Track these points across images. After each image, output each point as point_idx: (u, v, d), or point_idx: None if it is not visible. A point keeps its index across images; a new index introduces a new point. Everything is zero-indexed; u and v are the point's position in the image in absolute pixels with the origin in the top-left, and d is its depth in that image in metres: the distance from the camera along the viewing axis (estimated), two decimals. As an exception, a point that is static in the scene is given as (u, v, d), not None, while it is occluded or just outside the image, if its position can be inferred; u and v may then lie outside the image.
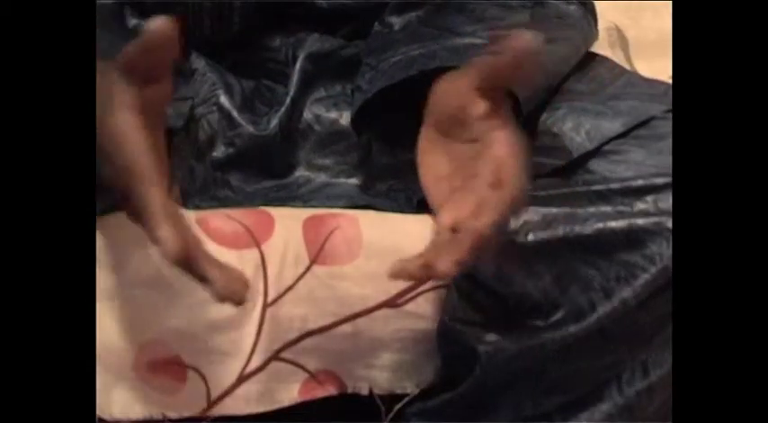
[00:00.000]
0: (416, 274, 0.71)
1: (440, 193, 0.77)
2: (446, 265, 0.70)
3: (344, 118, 0.91)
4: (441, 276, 0.71)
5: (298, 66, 0.93)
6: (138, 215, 0.69)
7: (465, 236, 0.71)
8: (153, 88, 0.72)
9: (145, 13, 0.94)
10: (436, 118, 0.79)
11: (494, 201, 0.72)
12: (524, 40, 0.72)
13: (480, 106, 0.76)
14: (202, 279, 0.68)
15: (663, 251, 0.79)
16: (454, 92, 0.77)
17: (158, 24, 0.69)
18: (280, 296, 0.84)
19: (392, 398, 0.89)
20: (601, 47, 1.04)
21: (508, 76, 0.75)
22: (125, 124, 0.70)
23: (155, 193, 0.68)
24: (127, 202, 0.70)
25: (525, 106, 0.83)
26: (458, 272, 0.70)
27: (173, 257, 0.66)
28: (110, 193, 0.83)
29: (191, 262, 0.68)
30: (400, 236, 0.85)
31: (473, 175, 0.74)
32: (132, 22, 0.93)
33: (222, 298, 0.68)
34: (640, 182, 0.81)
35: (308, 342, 0.86)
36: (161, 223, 0.67)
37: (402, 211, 0.87)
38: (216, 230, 0.83)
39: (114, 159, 0.69)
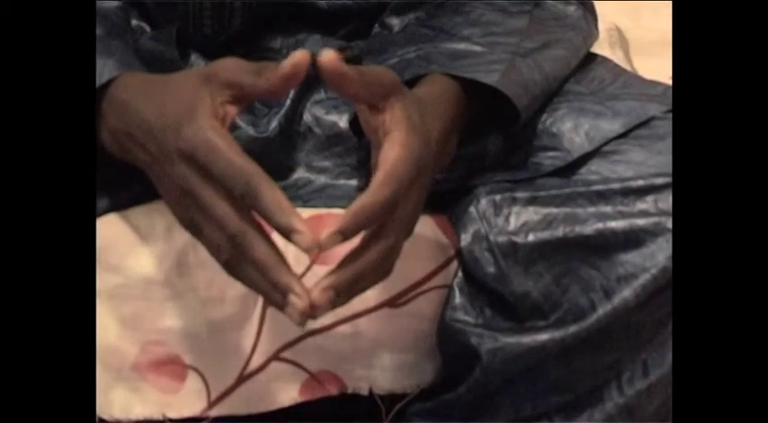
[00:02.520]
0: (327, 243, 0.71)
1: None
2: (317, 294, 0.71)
3: (344, 120, 0.91)
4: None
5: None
6: (263, 210, 0.70)
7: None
8: (233, 108, 0.75)
9: (145, 13, 0.94)
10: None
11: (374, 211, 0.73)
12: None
13: (369, 115, 0.77)
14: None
15: (663, 251, 0.79)
16: (358, 107, 0.79)
17: (302, 58, 0.72)
18: (280, 296, 0.84)
19: (392, 398, 0.89)
20: (601, 47, 1.04)
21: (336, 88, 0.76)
22: (218, 130, 0.72)
23: (278, 190, 0.70)
24: (244, 200, 0.71)
25: (525, 113, 0.83)
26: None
27: (311, 246, 0.69)
28: (113, 192, 0.84)
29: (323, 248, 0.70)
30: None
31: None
32: (132, 22, 0.93)
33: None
34: (640, 182, 0.81)
35: (308, 342, 0.86)
36: (295, 216, 0.70)
37: (402, 212, 0.87)
38: (216, 230, 0.83)
39: (213, 161, 0.71)
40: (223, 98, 0.74)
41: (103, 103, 0.79)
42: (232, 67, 0.75)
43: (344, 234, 0.70)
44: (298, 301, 0.71)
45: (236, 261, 0.73)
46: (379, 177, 0.72)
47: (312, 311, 0.71)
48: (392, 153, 0.73)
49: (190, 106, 0.73)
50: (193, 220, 0.74)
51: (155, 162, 0.76)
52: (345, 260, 0.73)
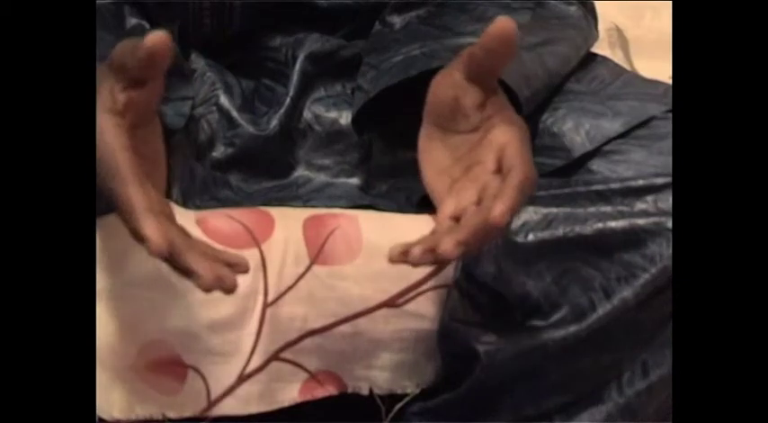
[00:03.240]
0: (418, 258, 0.69)
1: (442, 186, 0.77)
2: (448, 245, 0.68)
3: (344, 118, 0.91)
4: (443, 258, 0.69)
5: (297, 66, 0.93)
6: (123, 215, 0.69)
7: (468, 220, 0.71)
8: (141, 90, 0.73)
9: (145, 12, 0.94)
10: (434, 113, 0.79)
11: (498, 186, 0.72)
12: (500, 24, 0.72)
13: (474, 95, 0.76)
14: (188, 273, 0.68)
15: (663, 251, 0.79)
16: (448, 85, 0.78)
17: (156, 40, 0.69)
18: (280, 296, 0.84)
19: (392, 398, 0.89)
20: (601, 47, 1.04)
21: (492, 61, 0.75)
22: (103, 125, 0.71)
23: (135, 192, 0.68)
24: (113, 203, 0.70)
25: (527, 106, 0.83)
26: (461, 254, 0.69)
27: (157, 253, 0.67)
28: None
29: (176, 257, 0.68)
30: (400, 236, 0.84)
31: (475, 164, 0.75)
32: (132, 21, 0.93)
33: (207, 288, 0.67)
34: (640, 182, 0.81)
35: (307, 342, 0.86)
36: (144, 220, 0.67)
37: (402, 211, 0.87)
38: (216, 230, 0.83)
39: (98, 161, 0.70)
40: (122, 84, 0.72)
41: None
42: (120, 50, 0.73)
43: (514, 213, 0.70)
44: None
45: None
46: (516, 155, 0.72)
47: (440, 260, 0.69)
48: (513, 129, 0.75)
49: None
50: None
51: None
52: (472, 219, 0.71)
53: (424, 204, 0.83)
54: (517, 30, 0.72)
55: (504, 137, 0.74)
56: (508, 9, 0.89)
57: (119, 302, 0.83)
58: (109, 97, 0.72)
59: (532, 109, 0.86)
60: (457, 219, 0.72)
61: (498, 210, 0.68)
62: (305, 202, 0.89)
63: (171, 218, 0.71)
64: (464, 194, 0.74)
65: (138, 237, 0.68)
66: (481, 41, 0.74)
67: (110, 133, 0.70)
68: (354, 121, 0.87)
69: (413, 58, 0.86)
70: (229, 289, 0.68)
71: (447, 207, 0.73)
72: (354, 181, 0.91)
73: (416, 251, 0.70)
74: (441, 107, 0.78)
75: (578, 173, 0.85)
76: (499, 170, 0.73)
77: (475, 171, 0.75)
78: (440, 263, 0.71)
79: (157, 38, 0.69)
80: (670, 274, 0.79)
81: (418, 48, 0.87)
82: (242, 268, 0.70)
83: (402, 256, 0.71)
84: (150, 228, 0.67)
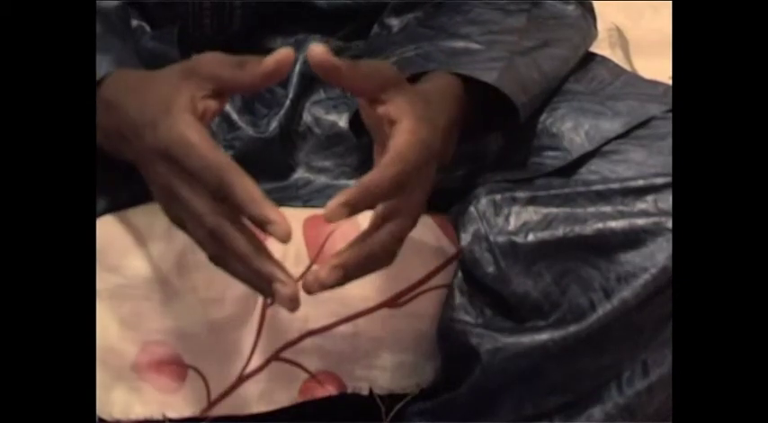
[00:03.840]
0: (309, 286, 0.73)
1: None
2: (325, 272, 0.72)
3: (344, 120, 0.91)
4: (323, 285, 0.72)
5: (297, 68, 0.93)
6: (238, 204, 0.70)
7: (352, 248, 0.73)
8: (219, 101, 0.75)
9: (145, 13, 0.94)
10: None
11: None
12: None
13: (369, 112, 0.77)
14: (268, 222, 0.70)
15: (663, 251, 0.79)
16: (361, 103, 0.79)
17: (286, 55, 0.73)
18: (280, 296, 0.84)
19: (392, 398, 0.89)
20: (601, 47, 1.04)
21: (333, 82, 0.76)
22: (189, 124, 0.72)
23: (251, 182, 0.71)
24: (218, 194, 0.71)
25: (524, 112, 0.83)
26: (340, 278, 0.72)
27: (287, 236, 0.69)
28: (113, 192, 0.84)
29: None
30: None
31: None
32: (133, 23, 0.93)
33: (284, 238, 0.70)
34: (640, 182, 0.81)
35: (308, 342, 0.86)
36: (270, 207, 0.70)
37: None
38: (216, 230, 0.83)
39: (186, 156, 0.72)
40: (204, 92, 0.74)
41: (97, 102, 0.79)
42: (212, 60, 0.75)
43: (351, 207, 0.70)
44: (283, 289, 0.71)
45: (221, 254, 0.73)
46: (387, 158, 0.73)
47: (319, 289, 0.72)
48: (401, 138, 0.74)
49: (166, 102, 0.74)
50: (177, 215, 0.75)
51: (138, 159, 0.76)
52: (356, 240, 0.73)
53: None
54: (329, 56, 0.73)
55: (391, 143, 0.74)
56: (503, 11, 0.89)
57: (119, 302, 0.83)
58: (190, 102, 0.74)
59: (530, 114, 0.86)
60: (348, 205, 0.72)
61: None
62: (305, 202, 0.89)
63: None
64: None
65: (265, 221, 0.69)
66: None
67: (201, 133, 0.72)
68: (352, 123, 0.87)
69: (407, 59, 0.86)
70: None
71: (342, 195, 0.72)
72: (354, 183, 0.91)
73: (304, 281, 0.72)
74: (365, 122, 0.80)
75: (578, 173, 0.85)
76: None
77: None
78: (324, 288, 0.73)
79: (286, 55, 0.72)
80: (670, 274, 0.79)
81: (413, 49, 0.87)
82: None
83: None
84: (275, 211, 0.69)
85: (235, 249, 0.72)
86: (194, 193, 0.73)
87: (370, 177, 0.71)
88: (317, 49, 0.72)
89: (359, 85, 0.75)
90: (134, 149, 0.76)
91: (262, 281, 0.72)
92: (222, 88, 0.75)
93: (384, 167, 0.72)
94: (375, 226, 0.74)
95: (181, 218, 0.75)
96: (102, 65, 0.79)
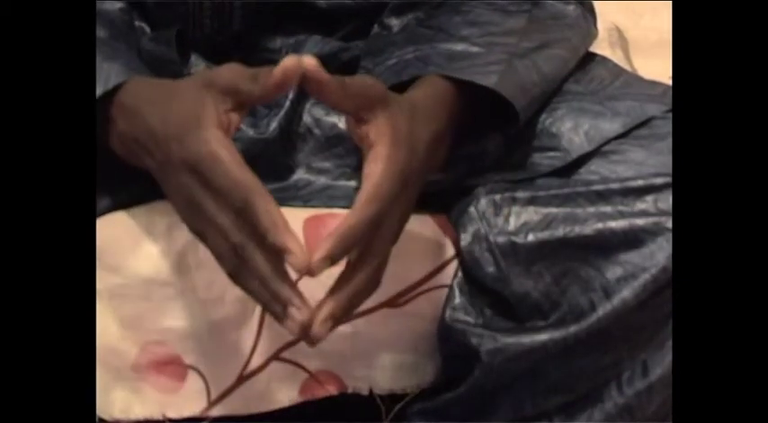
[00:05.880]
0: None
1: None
2: (318, 328, 0.73)
3: (343, 121, 0.91)
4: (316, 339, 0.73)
5: (297, 69, 0.93)
6: (259, 227, 0.71)
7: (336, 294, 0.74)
8: (241, 113, 0.76)
9: (145, 14, 0.94)
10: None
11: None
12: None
13: (353, 125, 0.77)
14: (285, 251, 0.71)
15: (663, 251, 0.79)
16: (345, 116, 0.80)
17: (293, 64, 0.73)
18: (280, 296, 0.84)
19: (392, 398, 0.89)
20: (601, 47, 1.04)
21: (322, 99, 0.76)
22: (218, 140, 0.73)
23: (275, 208, 0.71)
24: (241, 214, 0.72)
25: (524, 114, 0.83)
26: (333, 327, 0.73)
27: (303, 267, 0.70)
28: (114, 192, 0.84)
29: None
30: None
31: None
32: (135, 23, 0.93)
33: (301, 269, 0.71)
34: (640, 182, 0.81)
35: (307, 342, 0.86)
36: (289, 235, 0.70)
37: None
38: (216, 230, 0.83)
39: (214, 173, 0.72)
40: (226, 106, 0.75)
41: (112, 108, 0.79)
42: (231, 73, 0.76)
43: (333, 258, 0.71)
44: (297, 314, 0.72)
45: (239, 270, 0.74)
46: (362, 196, 0.73)
47: (313, 339, 0.73)
48: (376, 168, 0.74)
49: (194, 116, 0.74)
50: (198, 228, 0.75)
51: (160, 169, 0.77)
52: (337, 285, 0.74)
53: (423, 204, 0.83)
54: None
55: (366, 173, 0.75)
56: (503, 12, 0.89)
57: (119, 302, 0.83)
58: (216, 115, 0.74)
59: (530, 116, 0.86)
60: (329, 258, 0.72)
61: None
62: (305, 202, 0.89)
63: None
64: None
65: (281, 248, 0.70)
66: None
67: (230, 150, 0.73)
68: None
69: (406, 61, 0.86)
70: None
71: (322, 249, 0.72)
72: (354, 183, 0.91)
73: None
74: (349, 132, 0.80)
75: (578, 173, 0.85)
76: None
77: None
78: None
79: (293, 65, 0.73)
80: (670, 274, 0.79)
81: (412, 51, 0.87)
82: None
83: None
84: (294, 241, 0.70)
85: (254, 269, 0.73)
86: (219, 208, 0.73)
87: (347, 224, 0.72)
88: (309, 62, 0.73)
89: (344, 104, 0.76)
90: (156, 159, 0.77)
91: (277, 304, 0.73)
92: (241, 101, 0.75)
93: (360, 210, 0.73)
94: (354, 267, 0.74)
95: (203, 231, 0.75)
96: (113, 72, 0.79)
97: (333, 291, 0.74)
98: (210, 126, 0.74)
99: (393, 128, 0.75)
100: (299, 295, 0.73)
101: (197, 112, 0.74)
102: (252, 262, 0.73)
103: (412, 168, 0.76)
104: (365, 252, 0.74)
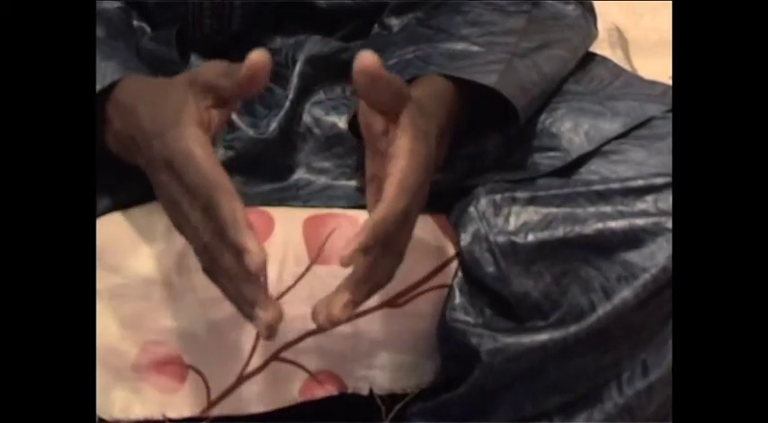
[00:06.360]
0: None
1: (370, 197, 0.79)
2: (337, 311, 0.73)
3: (343, 121, 0.91)
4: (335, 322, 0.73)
5: (297, 68, 0.92)
6: (220, 224, 0.71)
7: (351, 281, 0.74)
8: (223, 110, 0.76)
9: (145, 14, 0.94)
10: (363, 134, 0.80)
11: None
12: (362, 61, 0.72)
13: (378, 122, 0.77)
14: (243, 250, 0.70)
15: (663, 251, 0.79)
16: (363, 110, 0.78)
17: (258, 59, 0.72)
18: (280, 296, 0.84)
19: (392, 398, 0.89)
20: (601, 47, 1.04)
21: (372, 96, 0.75)
22: (195, 139, 0.73)
23: (239, 206, 0.71)
24: (206, 212, 0.72)
25: (523, 113, 0.83)
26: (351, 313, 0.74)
27: (260, 267, 0.69)
28: (114, 192, 0.84)
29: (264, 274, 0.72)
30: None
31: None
32: (134, 23, 0.93)
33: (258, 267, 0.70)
34: (640, 182, 0.81)
35: (308, 342, 0.86)
36: (248, 234, 0.70)
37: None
38: (216, 230, 0.83)
39: (186, 170, 0.73)
40: (207, 103, 0.76)
41: (108, 106, 0.79)
42: (210, 70, 0.76)
43: (366, 251, 0.71)
44: (263, 315, 0.72)
45: (212, 268, 0.74)
46: (390, 190, 0.73)
47: (332, 326, 0.73)
48: (401, 162, 0.74)
49: (175, 113, 0.75)
50: (177, 224, 0.76)
51: (147, 166, 0.77)
52: (360, 273, 0.74)
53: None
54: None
55: (393, 168, 0.74)
56: (503, 12, 0.89)
57: (119, 302, 0.83)
58: (196, 113, 0.75)
59: (530, 116, 0.86)
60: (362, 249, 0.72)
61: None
62: (305, 202, 0.89)
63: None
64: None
65: (240, 247, 0.70)
66: (354, 81, 0.74)
67: (204, 148, 0.73)
68: (351, 124, 0.87)
69: (406, 61, 0.86)
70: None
71: (355, 241, 0.72)
72: (354, 183, 0.91)
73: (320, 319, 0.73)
74: (362, 130, 0.79)
75: (578, 173, 0.85)
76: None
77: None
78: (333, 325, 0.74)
79: (258, 59, 0.72)
80: (670, 274, 0.79)
81: (412, 51, 0.87)
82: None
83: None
84: (252, 241, 0.70)
85: (223, 267, 0.73)
86: (192, 205, 0.74)
87: (380, 216, 0.72)
88: (369, 58, 0.72)
89: (388, 101, 0.75)
90: (144, 157, 0.77)
91: (245, 302, 0.73)
92: (221, 98, 0.76)
93: (391, 202, 0.72)
94: (378, 257, 0.74)
95: (182, 228, 0.76)
96: (109, 70, 0.79)
97: (354, 278, 0.74)
98: (189, 124, 0.74)
99: (414, 124, 0.75)
100: (266, 294, 0.73)
101: (179, 110, 0.75)
102: (219, 260, 0.73)
103: (430, 161, 0.76)
104: (390, 243, 0.74)
